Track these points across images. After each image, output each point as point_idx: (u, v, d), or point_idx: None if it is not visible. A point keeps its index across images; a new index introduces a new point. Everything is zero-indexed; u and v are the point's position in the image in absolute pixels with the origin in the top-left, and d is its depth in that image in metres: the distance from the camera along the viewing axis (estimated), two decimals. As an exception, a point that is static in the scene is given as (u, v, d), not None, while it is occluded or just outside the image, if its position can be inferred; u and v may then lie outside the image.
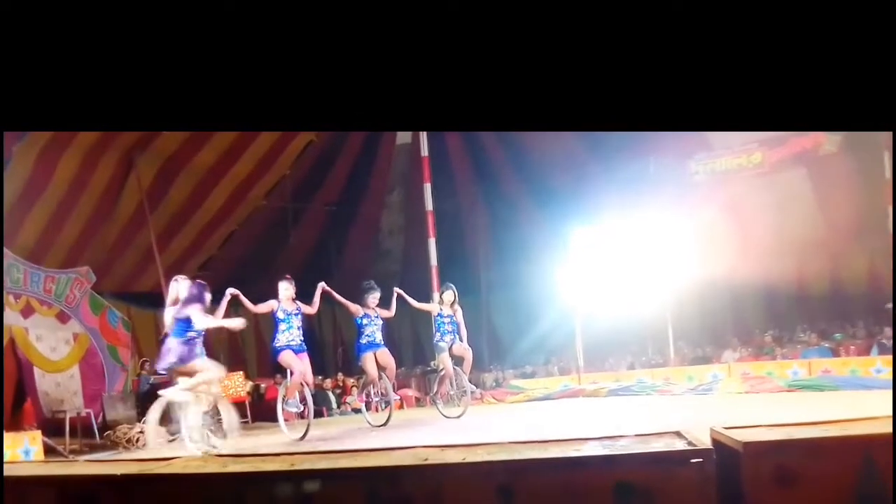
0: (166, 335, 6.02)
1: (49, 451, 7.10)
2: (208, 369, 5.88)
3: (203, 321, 5.76)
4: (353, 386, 11.78)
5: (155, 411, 5.84)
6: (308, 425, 6.75)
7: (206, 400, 5.88)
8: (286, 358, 6.77)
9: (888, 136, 10.12)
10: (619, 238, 11.94)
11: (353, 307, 7.52)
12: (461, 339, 7.97)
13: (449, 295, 8.02)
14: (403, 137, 14.93)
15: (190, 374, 5.83)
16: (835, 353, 10.90)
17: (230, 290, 6.50)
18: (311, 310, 7.13)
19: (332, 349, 15.92)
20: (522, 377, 13.67)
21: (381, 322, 7.59)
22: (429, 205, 12.82)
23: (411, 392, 12.48)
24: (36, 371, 9.25)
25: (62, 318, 10.01)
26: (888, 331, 10.51)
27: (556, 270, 12.45)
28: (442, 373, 8.10)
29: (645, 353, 14.06)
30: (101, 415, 9.36)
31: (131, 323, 11.35)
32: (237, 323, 6.10)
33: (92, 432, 8.85)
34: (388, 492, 1.96)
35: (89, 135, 10.16)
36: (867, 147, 11.18)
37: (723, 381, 9.66)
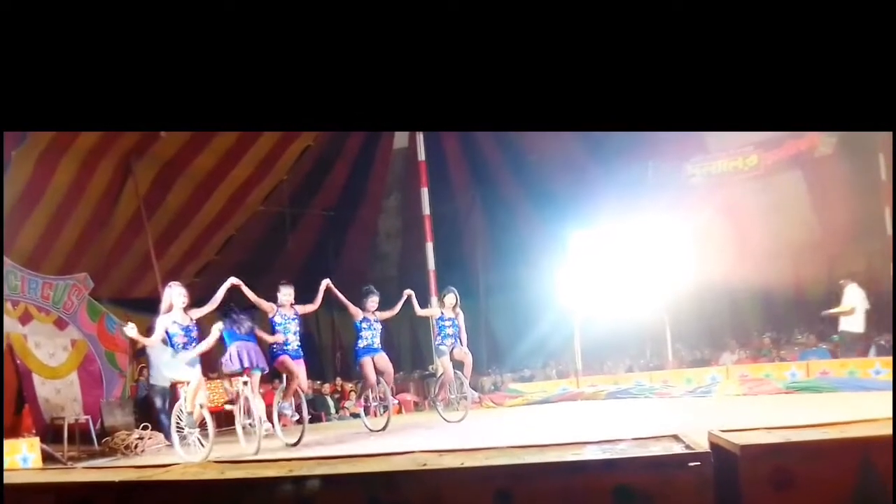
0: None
1: (47, 458, 7.06)
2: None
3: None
4: (351, 391, 11.76)
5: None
6: (302, 431, 6.73)
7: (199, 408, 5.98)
8: (283, 363, 6.77)
9: (883, 137, 10.17)
10: (617, 241, 11.94)
11: (354, 309, 7.52)
12: (462, 343, 7.97)
13: (450, 298, 8.01)
14: (400, 142, 14.96)
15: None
16: (833, 354, 10.90)
17: (232, 280, 6.46)
18: (313, 306, 7.15)
19: (331, 354, 15.91)
20: (521, 381, 13.64)
21: (380, 327, 7.59)
22: (426, 209, 12.84)
23: (409, 396, 12.46)
24: (35, 378, 9.22)
25: (60, 324, 9.98)
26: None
27: (554, 274, 12.45)
28: (442, 377, 8.09)
29: (643, 356, 14.06)
30: (100, 421, 9.34)
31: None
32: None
33: (90, 439, 8.82)
34: (388, 497, 1.96)
35: (87, 140, 10.16)
36: (862, 149, 11.22)
37: (721, 383, 9.65)
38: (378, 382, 7.57)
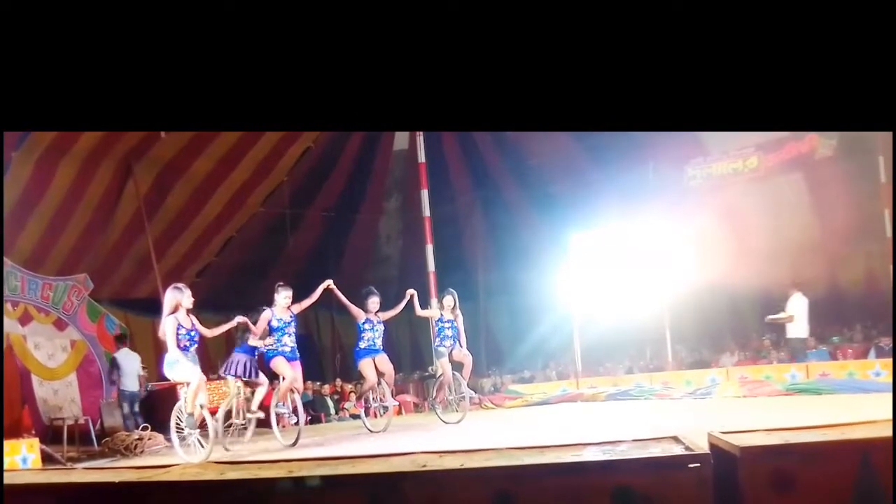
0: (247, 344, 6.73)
1: (46, 458, 7.06)
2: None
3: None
4: (351, 392, 11.76)
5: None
6: (299, 432, 6.75)
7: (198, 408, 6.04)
8: (277, 364, 6.78)
9: (882, 139, 10.17)
10: (617, 243, 11.94)
11: (356, 310, 7.52)
12: (461, 345, 7.97)
13: (449, 300, 8.02)
14: (401, 143, 14.96)
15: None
16: (832, 356, 10.91)
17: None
18: (310, 300, 7.22)
19: (331, 355, 15.90)
20: (521, 382, 13.63)
21: (382, 328, 7.59)
22: (426, 210, 12.84)
23: (409, 397, 12.46)
24: (34, 378, 9.22)
25: (60, 325, 9.98)
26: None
27: (554, 275, 12.45)
28: (441, 378, 8.09)
29: (643, 358, 14.05)
30: (99, 422, 9.33)
31: (129, 330, 11.32)
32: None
33: (90, 439, 8.82)
34: (388, 498, 1.96)
35: (87, 142, 10.17)
36: (862, 150, 11.22)
37: (721, 385, 9.65)
38: (378, 383, 7.57)
